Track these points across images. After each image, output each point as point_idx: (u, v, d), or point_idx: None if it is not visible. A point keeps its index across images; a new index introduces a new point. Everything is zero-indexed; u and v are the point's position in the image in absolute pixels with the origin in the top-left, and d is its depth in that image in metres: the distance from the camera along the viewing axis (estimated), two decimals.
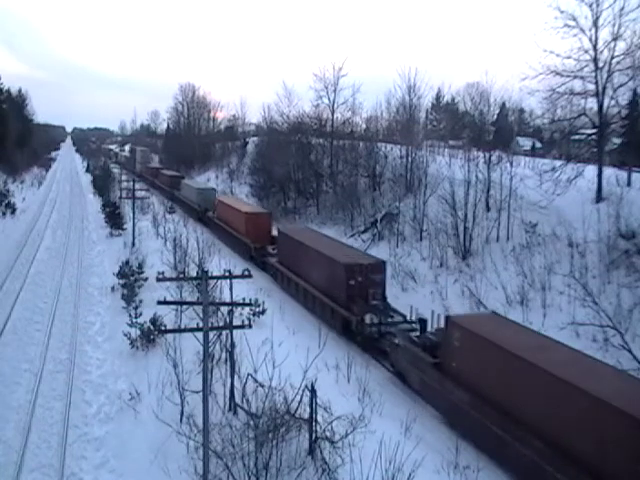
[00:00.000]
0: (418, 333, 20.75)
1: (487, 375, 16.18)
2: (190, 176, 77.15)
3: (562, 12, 29.40)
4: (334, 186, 49.00)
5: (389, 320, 22.73)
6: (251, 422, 12.71)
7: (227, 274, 15.27)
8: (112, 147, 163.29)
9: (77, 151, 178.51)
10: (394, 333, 21.40)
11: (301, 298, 28.85)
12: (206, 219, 49.60)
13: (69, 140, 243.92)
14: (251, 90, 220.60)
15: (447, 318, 18.58)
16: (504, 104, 52.27)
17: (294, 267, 30.07)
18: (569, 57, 29.72)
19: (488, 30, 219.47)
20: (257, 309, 23.19)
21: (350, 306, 23.90)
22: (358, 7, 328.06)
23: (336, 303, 24.74)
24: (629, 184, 29.59)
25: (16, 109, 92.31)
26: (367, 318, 22.68)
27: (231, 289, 20.64)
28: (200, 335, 12.41)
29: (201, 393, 12.49)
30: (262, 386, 14.54)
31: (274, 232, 36.72)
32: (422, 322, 21.18)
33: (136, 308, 23.63)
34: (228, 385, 15.90)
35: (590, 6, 29.00)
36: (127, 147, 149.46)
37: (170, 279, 15.98)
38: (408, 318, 22.65)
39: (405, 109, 50.81)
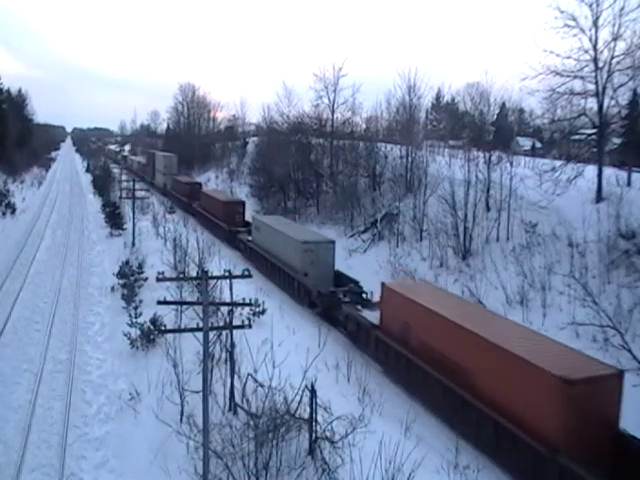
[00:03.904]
0: None
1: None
2: (190, 176, 73.64)
3: (562, 12, 29.46)
4: (334, 186, 48.98)
5: None
6: (251, 422, 12.71)
7: (227, 274, 15.31)
8: (112, 147, 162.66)
9: (77, 151, 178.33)
10: None
11: None
12: (340, 317, 24.64)
13: (69, 140, 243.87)
14: (251, 90, 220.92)
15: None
16: (504, 104, 52.26)
17: None
18: (569, 57, 29.77)
19: (488, 30, 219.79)
20: (257, 309, 23.18)
21: None
22: (358, 7, 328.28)
23: None
24: (629, 184, 29.59)
25: (16, 109, 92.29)
26: None
27: (231, 289, 20.64)
28: (200, 335, 12.41)
29: (201, 393, 12.49)
30: (262, 386, 14.53)
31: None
32: None
33: (136, 308, 23.62)
34: (228, 385, 15.90)
35: (590, 6, 29.05)
36: (127, 147, 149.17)
37: (170, 279, 15.97)
38: None
39: (405, 109, 50.86)
